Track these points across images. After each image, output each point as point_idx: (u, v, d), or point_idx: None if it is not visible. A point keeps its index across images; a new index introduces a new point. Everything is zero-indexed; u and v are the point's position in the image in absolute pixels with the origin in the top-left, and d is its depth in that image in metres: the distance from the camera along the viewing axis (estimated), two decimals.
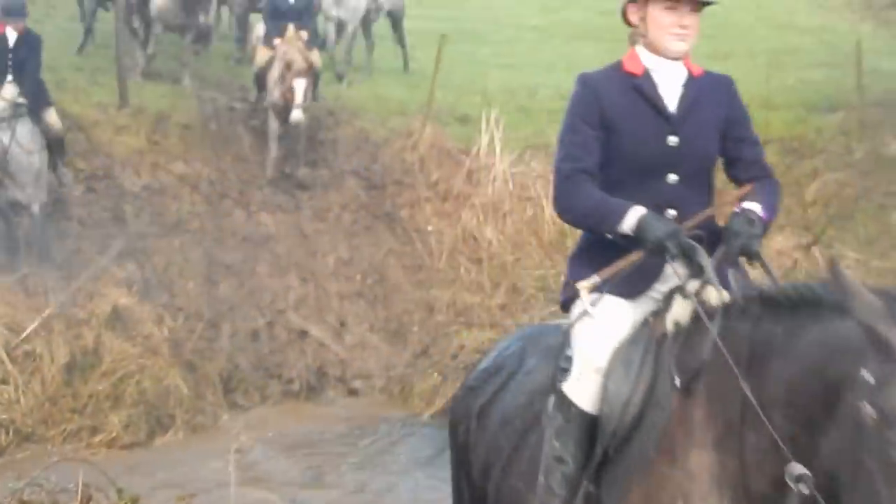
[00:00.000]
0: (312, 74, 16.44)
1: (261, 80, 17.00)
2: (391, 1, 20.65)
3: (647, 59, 5.32)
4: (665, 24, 5.18)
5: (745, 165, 5.46)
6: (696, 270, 4.96)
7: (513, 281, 16.01)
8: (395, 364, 14.85)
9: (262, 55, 16.92)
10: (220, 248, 15.44)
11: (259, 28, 17.87)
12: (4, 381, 12.67)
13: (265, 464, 12.13)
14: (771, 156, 18.23)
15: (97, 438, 12.22)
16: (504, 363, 5.99)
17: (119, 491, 7.47)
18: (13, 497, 6.45)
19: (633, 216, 5.03)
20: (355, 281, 15.70)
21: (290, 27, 16.52)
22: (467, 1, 26.89)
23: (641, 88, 5.28)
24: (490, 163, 17.15)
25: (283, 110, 16.20)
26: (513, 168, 17.17)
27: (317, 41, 17.08)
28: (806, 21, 24.59)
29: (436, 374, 14.47)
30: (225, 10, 21.41)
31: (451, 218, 16.68)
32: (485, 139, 17.29)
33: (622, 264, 5.05)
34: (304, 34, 16.72)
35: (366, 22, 20.37)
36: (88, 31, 19.73)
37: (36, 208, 13.98)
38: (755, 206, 5.20)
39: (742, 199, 5.29)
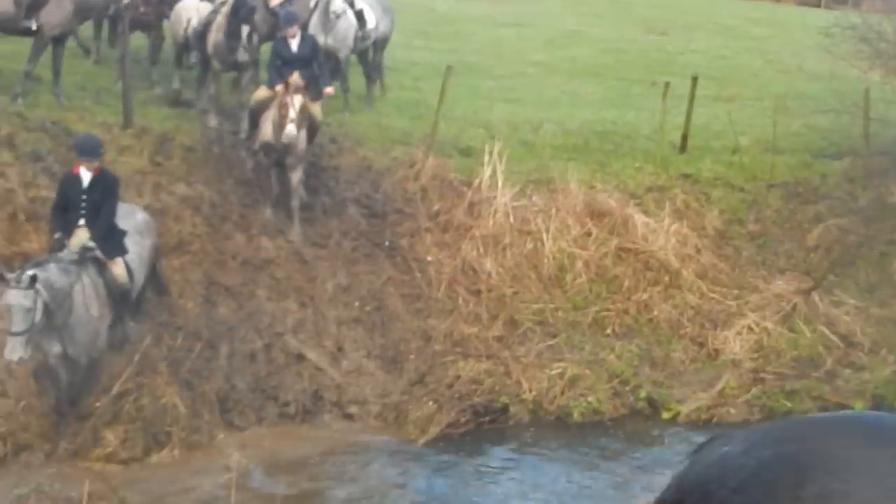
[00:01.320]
0: (310, 122, 16.10)
1: (254, 117, 16.63)
2: (378, 31, 20.52)
3: None
4: None
5: None
6: None
7: (510, 313, 16.04)
8: (390, 391, 14.84)
9: (261, 92, 16.60)
10: (221, 270, 15.42)
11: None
12: (3, 394, 12.66)
13: (260, 483, 12.09)
14: (774, 200, 18.47)
15: (95, 453, 12.11)
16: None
17: (121, 501, 7.44)
18: (19, 502, 6.40)
19: None
20: (353, 307, 15.69)
21: (295, 73, 16.13)
22: (472, 35, 27.04)
23: None
24: (491, 196, 17.20)
25: (275, 150, 15.98)
26: (514, 202, 17.22)
27: (318, 92, 16.71)
28: (814, 67, 24.72)
29: (431, 403, 14.48)
30: None
31: (451, 249, 16.70)
32: (487, 172, 17.35)
33: None
34: (330, 90, 16.50)
35: (359, 51, 20.25)
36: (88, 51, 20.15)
37: (84, 361, 12.53)
38: None
39: None
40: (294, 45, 16.66)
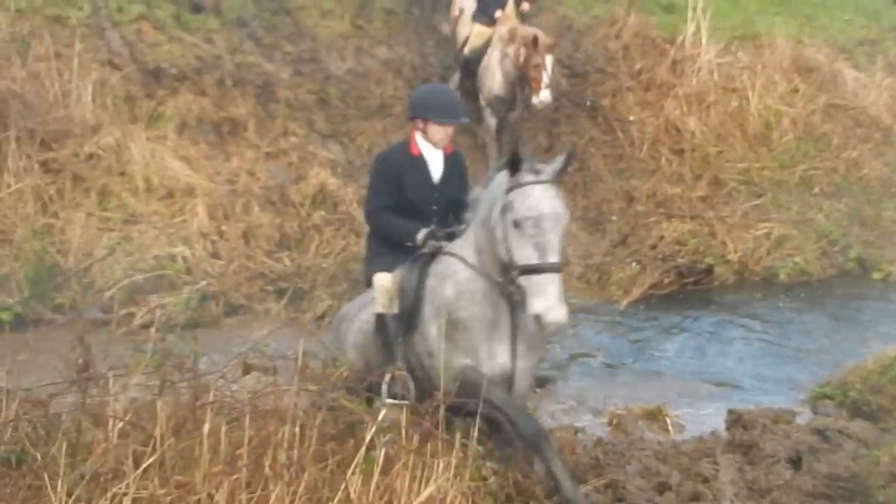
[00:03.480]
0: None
1: (470, 66, 15.38)
2: None
3: None
4: None
5: None
6: None
7: (715, 173, 15.80)
8: (593, 252, 14.82)
9: (477, 35, 15.34)
10: None
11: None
12: (216, 256, 13.05)
13: None
14: None
15: (307, 314, 12.40)
16: None
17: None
18: (238, 360, 6.67)
19: None
20: None
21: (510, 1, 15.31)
22: None
23: None
24: (695, 53, 16.89)
25: (503, 103, 15.05)
26: (718, 58, 16.87)
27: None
28: None
29: (634, 264, 14.42)
30: None
31: (654, 108, 16.49)
32: (690, 28, 17.00)
33: None
34: (526, 5, 15.58)
35: None
36: None
37: (520, 401, 7.58)
38: None
39: None
40: None
